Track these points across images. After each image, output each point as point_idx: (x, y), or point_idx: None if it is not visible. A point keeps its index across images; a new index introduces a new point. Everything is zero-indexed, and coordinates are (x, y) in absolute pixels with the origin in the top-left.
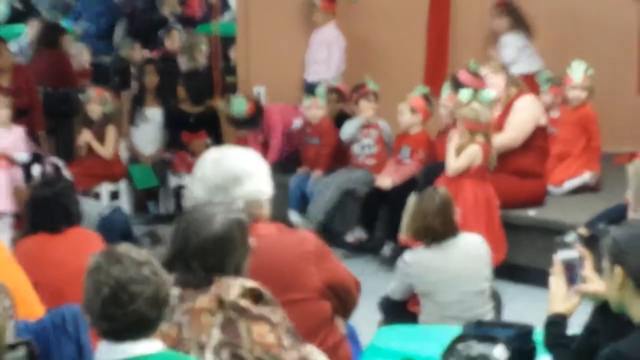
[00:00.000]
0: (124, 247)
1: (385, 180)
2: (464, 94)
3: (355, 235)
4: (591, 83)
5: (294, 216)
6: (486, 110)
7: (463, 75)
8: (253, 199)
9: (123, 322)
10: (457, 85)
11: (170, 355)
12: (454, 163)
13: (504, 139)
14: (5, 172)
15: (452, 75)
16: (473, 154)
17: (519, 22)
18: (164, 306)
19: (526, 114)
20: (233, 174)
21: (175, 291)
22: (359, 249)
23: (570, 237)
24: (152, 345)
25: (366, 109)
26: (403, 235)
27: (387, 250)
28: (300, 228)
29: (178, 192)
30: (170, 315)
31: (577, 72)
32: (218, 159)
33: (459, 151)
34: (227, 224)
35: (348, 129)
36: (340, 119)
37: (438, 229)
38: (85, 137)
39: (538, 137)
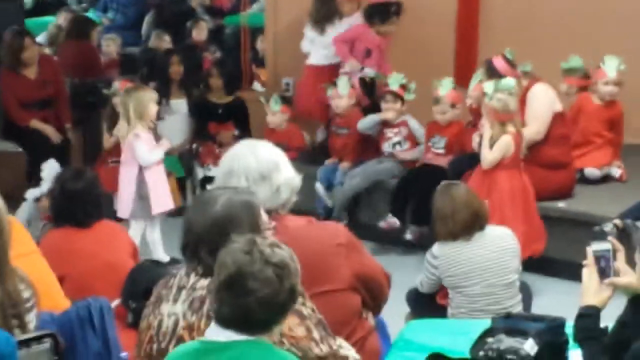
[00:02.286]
0: (265, 241)
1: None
2: (488, 86)
3: (388, 220)
4: (622, 78)
5: (319, 188)
6: (511, 99)
7: (499, 63)
8: (294, 185)
9: (230, 310)
10: (492, 72)
11: (262, 344)
12: (489, 155)
13: (529, 133)
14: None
15: (487, 62)
16: (506, 144)
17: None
18: (278, 312)
19: (541, 101)
20: (273, 161)
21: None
22: (387, 242)
23: (608, 227)
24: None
25: (385, 110)
26: (436, 233)
27: (408, 234)
28: (324, 199)
29: (205, 183)
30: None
31: (611, 67)
32: (253, 150)
33: (491, 143)
34: (229, 204)
35: (366, 122)
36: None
37: (469, 223)
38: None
39: (557, 125)
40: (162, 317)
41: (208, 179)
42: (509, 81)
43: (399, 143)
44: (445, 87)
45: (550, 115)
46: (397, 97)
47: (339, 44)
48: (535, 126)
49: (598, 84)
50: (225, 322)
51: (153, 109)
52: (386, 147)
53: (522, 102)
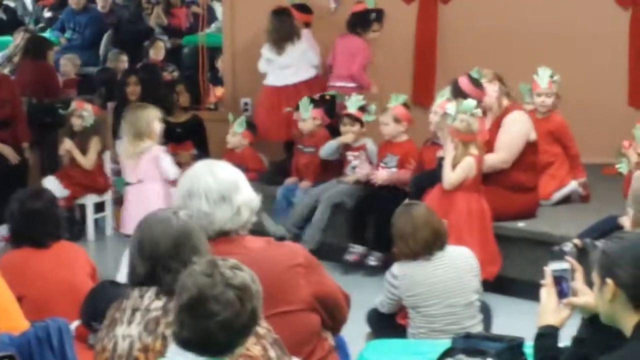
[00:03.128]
0: (226, 263)
1: (381, 173)
2: (450, 107)
3: (353, 252)
4: (557, 89)
5: (266, 218)
6: (473, 120)
7: (464, 83)
8: (253, 205)
9: (191, 333)
10: (458, 92)
11: None
12: (451, 176)
13: (495, 160)
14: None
15: (453, 81)
16: (469, 166)
17: None
18: (239, 334)
19: (516, 131)
20: (233, 181)
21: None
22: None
23: (568, 247)
24: None
25: (344, 133)
26: (397, 253)
27: (372, 260)
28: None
29: None
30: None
31: (543, 78)
32: (211, 170)
33: (454, 164)
34: (182, 222)
35: (327, 148)
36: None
37: (430, 241)
38: (66, 145)
39: (528, 154)
40: (117, 339)
41: None
42: (470, 102)
43: (359, 167)
44: (394, 100)
45: (522, 145)
46: (356, 119)
47: (360, 73)
48: (503, 154)
49: (533, 96)
50: (186, 345)
51: (158, 126)
52: (348, 170)
53: (497, 124)
